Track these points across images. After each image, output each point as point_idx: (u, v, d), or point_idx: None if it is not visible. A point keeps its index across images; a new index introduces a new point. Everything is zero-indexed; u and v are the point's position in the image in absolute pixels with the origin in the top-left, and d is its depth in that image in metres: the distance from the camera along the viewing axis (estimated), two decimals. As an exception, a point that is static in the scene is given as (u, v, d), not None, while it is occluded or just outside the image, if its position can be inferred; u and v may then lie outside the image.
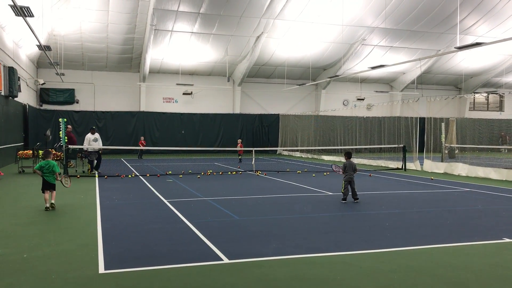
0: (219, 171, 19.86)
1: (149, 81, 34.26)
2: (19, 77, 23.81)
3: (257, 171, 19.67)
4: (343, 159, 27.02)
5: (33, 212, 9.96)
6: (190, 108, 36.11)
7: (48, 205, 10.13)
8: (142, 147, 27.73)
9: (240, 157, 26.29)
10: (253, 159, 21.42)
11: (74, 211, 10.16)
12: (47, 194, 10.21)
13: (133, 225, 8.54)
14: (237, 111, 37.11)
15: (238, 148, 25.82)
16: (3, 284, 5.32)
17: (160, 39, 29.78)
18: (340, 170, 12.03)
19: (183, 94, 35.73)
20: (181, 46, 31.02)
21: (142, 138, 30.45)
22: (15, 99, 23.56)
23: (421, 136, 23.57)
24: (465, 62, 37.98)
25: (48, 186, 10.32)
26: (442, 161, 22.11)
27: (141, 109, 34.62)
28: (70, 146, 17.78)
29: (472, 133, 27.95)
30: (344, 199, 11.44)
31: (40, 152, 18.26)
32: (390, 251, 6.82)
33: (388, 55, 34.71)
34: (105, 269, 5.83)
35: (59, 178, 10.58)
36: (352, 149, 29.75)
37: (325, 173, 19.28)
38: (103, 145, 19.39)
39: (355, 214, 9.86)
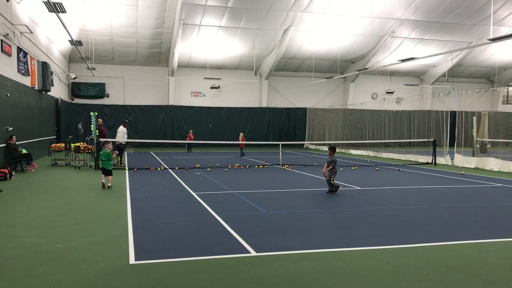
0: (246, 164, 19.95)
1: (177, 75, 34.59)
2: (51, 72, 24.41)
3: (284, 165, 19.67)
4: (371, 154, 26.84)
5: (66, 203, 10.24)
6: (217, 102, 36.32)
7: (105, 184, 12.50)
8: (190, 141, 28.60)
9: (242, 150, 26.15)
10: (280, 153, 21.44)
11: (105, 203, 10.40)
12: (103, 177, 12.62)
13: (163, 217, 8.69)
14: (264, 104, 37.11)
15: (240, 142, 25.83)
16: (38, 272, 5.51)
17: (188, 34, 29.99)
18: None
19: (211, 88, 35.94)
20: (208, 40, 31.18)
21: (190, 131, 30.79)
22: (48, 93, 24.17)
23: (451, 130, 23.13)
24: (498, 54, 36.97)
25: (105, 171, 12.67)
26: (473, 155, 21.65)
27: (170, 103, 35.00)
28: (101, 139, 18.14)
29: (505, 127, 27.22)
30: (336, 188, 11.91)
31: (72, 145, 18.74)
32: (419, 247, 6.75)
33: (418, 48, 34.06)
34: (136, 260, 5.96)
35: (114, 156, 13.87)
36: (381, 143, 29.43)
37: (353, 168, 19.15)
38: (133, 139, 19.71)
39: (383, 209, 9.77)
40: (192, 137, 29.77)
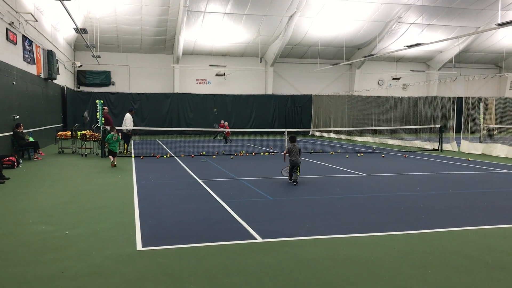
0: (252, 152, 19.97)
1: (182, 62, 34.52)
2: (57, 60, 24.42)
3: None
4: (377, 140, 26.79)
5: (73, 191, 10.32)
6: (222, 89, 36.27)
7: (113, 164, 14.48)
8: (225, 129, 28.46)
9: (225, 137, 26.44)
10: (286, 140, 21.42)
11: (112, 190, 10.46)
12: (111, 157, 14.74)
13: (169, 204, 8.74)
14: (270, 92, 37.02)
15: (224, 129, 25.97)
16: (47, 259, 5.57)
17: (193, 21, 29.86)
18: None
19: (216, 75, 35.88)
20: (213, 27, 31.04)
21: (222, 121, 30.87)
22: (54, 81, 24.22)
23: (458, 116, 23.00)
24: (506, 39, 36.57)
25: (112, 153, 14.80)
26: (480, 142, 21.55)
27: (175, 91, 34.99)
28: (107, 127, 18.20)
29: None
30: (294, 181, 11.13)
31: (79, 133, 18.83)
32: (424, 233, 6.76)
33: (425, 33, 33.76)
34: (143, 246, 6.01)
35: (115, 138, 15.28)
36: (387, 129, 29.35)
37: (359, 154, 19.12)
38: (139, 126, 19.83)
39: (389, 195, 9.77)
40: (227, 127, 29.96)
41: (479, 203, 8.94)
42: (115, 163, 14.64)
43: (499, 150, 18.61)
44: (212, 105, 35.56)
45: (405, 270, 5.20)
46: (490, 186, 11.13)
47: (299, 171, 11.32)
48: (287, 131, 22.08)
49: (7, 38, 16.38)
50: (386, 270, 5.19)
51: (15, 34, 17.34)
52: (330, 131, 33.32)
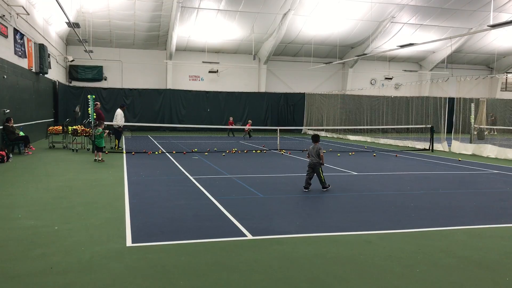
0: (244, 149, 19.96)
1: (175, 59, 34.39)
2: (49, 54, 24.23)
3: (282, 150, 19.69)
4: (368, 139, 26.88)
5: (64, 186, 10.26)
6: (215, 86, 36.19)
7: (96, 158, 14.66)
8: (231, 126, 29.14)
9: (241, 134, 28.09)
10: (278, 138, 21.45)
11: (103, 186, 10.42)
12: (96, 154, 14.84)
13: (160, 201, 8.72)
14: (263, 89, 37.00)
15: (247, 127, 27.81)
16: (36, 254, 5.54)
17: (186, 17, 29.74)
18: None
19: (209, 72, 35.79)
20: (207, 24, 30.93)
21: (231, 118, 31.06)
22: (45, 75, 24.03)
23: (449, 116, 23.15)
24: (498, 40, 36.84)
25: (96, 148, 14.97)
26: (470, 142, 21.69)
27: (168, 87, 34.86)
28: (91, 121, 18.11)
29: (503, 114, 27.25)
30: (305, 187, 10.04)
31: (70, 128, 18.73)
32: (414, 232, 6.80)
33: (418, 33, 33.89)
34: (132, 243, 5.99)
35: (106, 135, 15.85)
36: (378, 129, 29.48)
37: (350, 153, 19.19)
38: (131, 122, 19.74)
39: (379, 194, 9.82)
40: (233, 124, 30.24)
41: (469, 203, 9.01)
42: (100, 158, 14.69)
43: (489, 150, 18.76)
44: (205, 101, 35.48)
45: (394, 268, 5.23)
46: (480, 186, 11.22)
47: (322, 174, 10.03)
48: (280, 129, 22.13)
49: (-2, 31, 16.23)
50: (375, 269, 5.22)
51: (6, 27, 17.18)
52: (322, 130, 33.38)
